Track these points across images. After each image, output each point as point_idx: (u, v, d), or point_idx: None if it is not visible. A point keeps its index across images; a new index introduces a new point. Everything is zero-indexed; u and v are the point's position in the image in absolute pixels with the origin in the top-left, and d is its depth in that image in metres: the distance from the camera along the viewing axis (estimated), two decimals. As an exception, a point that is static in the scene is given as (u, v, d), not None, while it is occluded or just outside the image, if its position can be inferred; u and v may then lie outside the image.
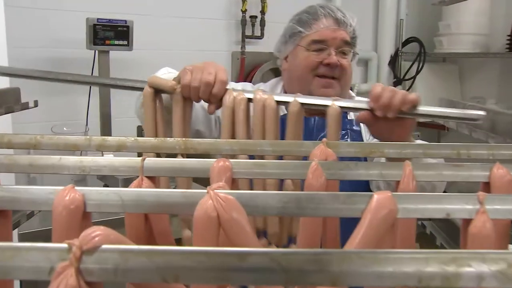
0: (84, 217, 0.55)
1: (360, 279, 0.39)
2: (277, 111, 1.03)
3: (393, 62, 3.88)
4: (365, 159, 1.18)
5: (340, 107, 1.02)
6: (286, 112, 1.35)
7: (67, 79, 1.24)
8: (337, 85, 1.39)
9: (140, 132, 2.42)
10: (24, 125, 2.29)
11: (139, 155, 0.83)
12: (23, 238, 1.98)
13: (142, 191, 0.57)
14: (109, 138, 0.85)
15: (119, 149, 0.85)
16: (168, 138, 0.85)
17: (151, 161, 0.71)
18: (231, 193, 0.54)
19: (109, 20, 2.51)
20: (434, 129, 3.62)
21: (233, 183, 0.70)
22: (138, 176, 0.69)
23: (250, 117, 1.05)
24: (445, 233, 1.30)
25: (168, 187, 0.89)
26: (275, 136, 1.01)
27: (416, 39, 3.80)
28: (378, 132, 1.08)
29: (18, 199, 0.56)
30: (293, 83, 1.45)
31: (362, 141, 1.41)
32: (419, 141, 1.13)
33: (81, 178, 2.34)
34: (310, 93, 1.38)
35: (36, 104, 1.45)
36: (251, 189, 0.96)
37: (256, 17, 3.21)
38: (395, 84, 3.89)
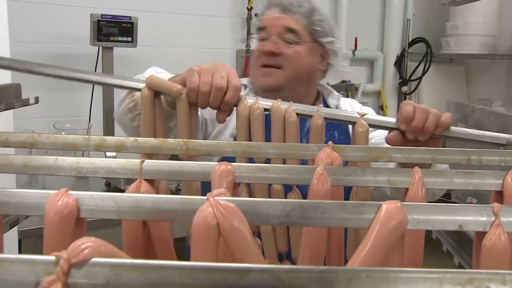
0: (77, 223, 0.52)
1: (368, 299, 0.36)
2: (298, 124, 0.95)
3: (399, 62, 3.85)
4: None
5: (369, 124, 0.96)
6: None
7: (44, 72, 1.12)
8: (279, 75, 1.30)
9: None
10: (26, 121, 2.27)
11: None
12: (23, 235, 1.97)
13: (139, 197, 0.54)
14: (108, 138, 0.83)
15: (118, 149, 0.82)
16: (169, 139, 0.83)
17: (150, 163, 0.68)
18: (232, 200, 0.51)
19: (114, 16, 2.49)
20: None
21: (235, 188, 0.68)
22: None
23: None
24: (452, 239, 1.28)
25: (167, 192, 0.86)
26: None
27: (422, 39, 3.76)
28: None
29: (8, 203, 0.53)
30: (250, 75, 1.40)
31: (349, 136, 1.31)
32: None
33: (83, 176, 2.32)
34: (255, 83, 1.35)
35: (37, 100, 1.43)
36: (254, 195, 0.93)
37: (261, 15, 3.18)
38: (401, 84, 3.86)
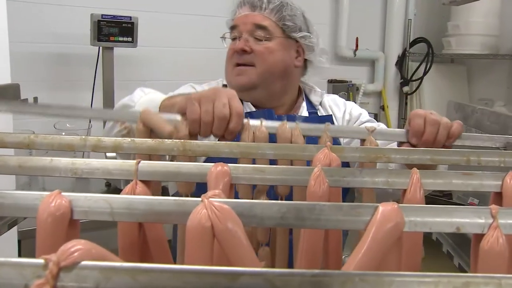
0: (70, 224, 0.51)
1: (362, 304, 0.35)
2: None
3: (401, 62, 3.84)
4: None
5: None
6: (250, 109, 1.30)
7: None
8: (252, 73, 1.29)
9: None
10: (26, 121, 2.26)
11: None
12: (23, 235, 1.96)
13: (132, 198, 0.54)
14: (105, 138, 0.82)
15: (115, 150, 0.82)
16: (166, 140, 0.82)
17: (145, 164, 0.68)
18: (227, 202, 0.50)
19: (114, 16, 2.49)
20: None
21: (231, 189, 0.67)
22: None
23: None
24: (452, 240, 1.27)
25: (158, 192, 0.83)
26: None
27: (424, 39, 3.75)
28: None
29: (1, 205, 0.53)
30: (225, 76, 1.38)
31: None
32: None
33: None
34: (230, 83, 1.33)
35: (35, 100, 1.43)
36: (253, 196, 0.92)
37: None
38: (402, 84, 3.85)
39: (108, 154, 1.87)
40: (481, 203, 2.28)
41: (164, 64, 2.96)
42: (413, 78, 3.80)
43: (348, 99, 3.56)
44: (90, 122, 2.63)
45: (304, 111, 1.36)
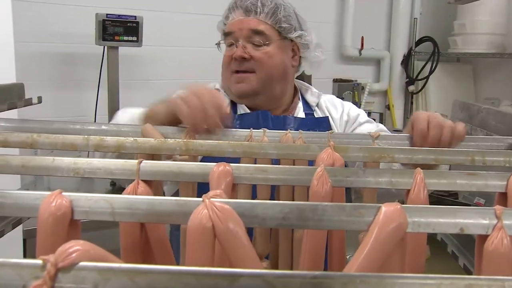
0: (71, 224, 0.51)
1: (363, 306, 0.35)
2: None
3: (406, 61, 3.83)
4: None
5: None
6: (244, 111, 1.29)
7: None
8: (253, 79, 1.27)
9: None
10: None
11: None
12: (27, 234, 1.97)
13: (133, 198, 0.53)
14: (107, 138, 0.82)
15: (117, 149, 0.82)
16: (169, 139, 0.82)
17: (148, 164, 0.68)
18: (228, 202, 0.50)
19: (119, 15, 2.49)
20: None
21: (233, 189, 0.67)
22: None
23: None
24: (457, 240, 1.26)
25: (159, 192, 0.82)
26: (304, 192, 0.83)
27: (429, 38, 3.74)
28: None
29: (3, 205, 0.53)
30: (223, 82, 1.37)
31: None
32: None
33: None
34: (229, 90, 1.32)
35: (40, 100, 1.42)
36: (256, 196, 0.91)
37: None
38: (408, 84, 3.84)
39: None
40: (488, 203, 2.26)
41: (169, 63, 2.96)
42: (419, 77, 3.78)
43: (353, 98, 3.55)
44: (95, 121, 2.64)
45: (300, 112, 1.34)
